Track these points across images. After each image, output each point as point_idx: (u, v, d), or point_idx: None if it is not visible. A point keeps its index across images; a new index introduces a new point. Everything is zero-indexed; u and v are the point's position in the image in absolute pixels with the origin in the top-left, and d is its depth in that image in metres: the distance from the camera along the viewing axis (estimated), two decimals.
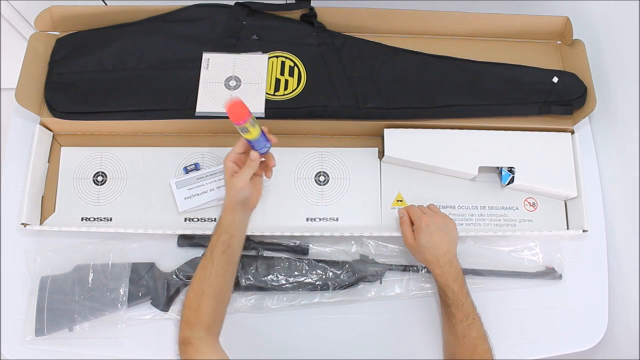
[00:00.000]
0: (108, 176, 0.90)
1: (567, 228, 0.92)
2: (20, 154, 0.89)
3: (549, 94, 0.92)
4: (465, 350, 0.75)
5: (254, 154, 0.75)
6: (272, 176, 0.84)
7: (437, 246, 0.79)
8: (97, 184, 0.90)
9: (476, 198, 0.92)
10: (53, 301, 0.83)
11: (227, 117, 0.86)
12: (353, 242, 0.90)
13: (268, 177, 0.82)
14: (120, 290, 0.84)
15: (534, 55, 0.97)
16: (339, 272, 0.86)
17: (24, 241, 0.88)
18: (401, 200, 0.91)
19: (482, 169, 0.90)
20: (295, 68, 0.91)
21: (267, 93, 0.88)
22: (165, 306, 0.85)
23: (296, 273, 0.85)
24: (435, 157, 0.89)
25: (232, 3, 0.94)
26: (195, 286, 0.73)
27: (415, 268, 0.88)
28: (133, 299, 0.84)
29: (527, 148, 0.91)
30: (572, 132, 0.93)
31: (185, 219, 0.88)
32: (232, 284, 0.76)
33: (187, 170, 0.90)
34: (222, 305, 0.74)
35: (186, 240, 0.88)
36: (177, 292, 0.85)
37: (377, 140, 0.94)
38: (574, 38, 0.96)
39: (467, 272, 0.88)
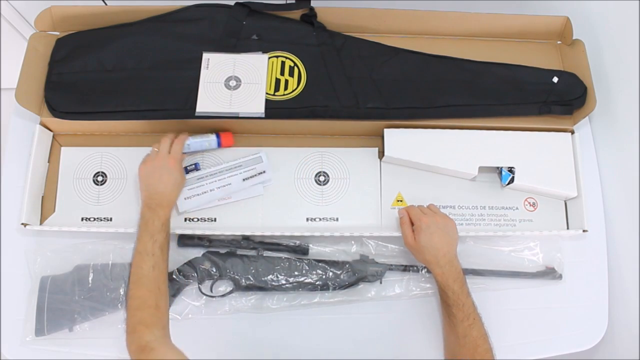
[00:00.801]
0: (108, 176, 0.90)
1: (567, 228, 0.92)
2: (20, 154, 0.89)
3: (549, 94, 0.92)
4: (467, 350, 0.75)
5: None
6: (270, 176, 0.87)
7: (437, 246, 0.79)
8: (97, 184, 0.90)
9: (476, 198, 0.92)
10: (53, 301, 0.83)
11: (227, 118, 0.87)
12: (353, 242, 0.90)
13: None
14: (120, 290, 0.84)
15: (534, 55, 0.97)
16: (339, 272, 0.86)
17: (24, 241, 0.88)
18: (401, 200, 0.91)
19: (482, 169, 0.90)
20: (295, 68, 0.91)
21: (267, 93, 0.88)
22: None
23: (296, 273, 0.85)
24: (435, 157, 0.89)
25: (232, 3, 0.94)
26: (151, 285, 0.72)
27: (415, 268, 0.88)
28: None
29: (527, 148, 0.91)
30: (572, 132, 0.93)
31: (185, 219, 0.88)
32: None
33: (187, 171, 0.89)
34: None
35: (186, 240, 0.88)
36: (177, 292, 0.85)
37: (377, 140, 0.94)
38: (574, 38, 0.96)
39: (467, 272, 0.88)
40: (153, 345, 0.67)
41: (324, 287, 0.86)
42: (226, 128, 0.91)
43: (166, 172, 0.80)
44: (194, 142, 0.88)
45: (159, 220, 0.77)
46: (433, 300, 0.89)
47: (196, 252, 0.87)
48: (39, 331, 0.82)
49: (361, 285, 0.88)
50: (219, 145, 0.90)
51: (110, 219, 0.88)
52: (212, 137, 0.89)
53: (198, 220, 0.88)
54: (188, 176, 0.87)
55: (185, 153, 0.87)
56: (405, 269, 0.88)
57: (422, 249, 0.80)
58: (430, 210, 0.84)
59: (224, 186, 0.87)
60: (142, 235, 0.76)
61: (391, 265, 0.88)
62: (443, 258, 0.79)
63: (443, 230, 0.80)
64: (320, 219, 0.89)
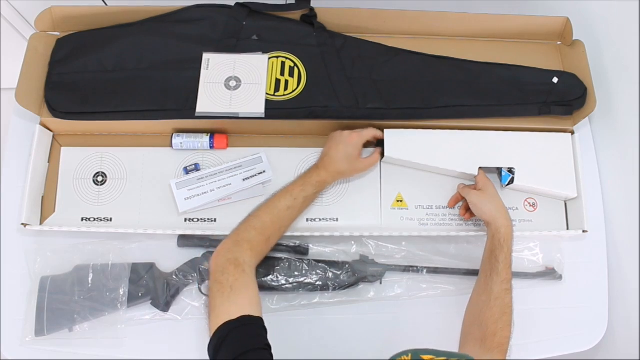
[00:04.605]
0: (108, 176, 0.90)
1: (567, 228, 0.92)
2: (20, 154, 0.89)
3: (549, 95, 0.92)
4: (493, 313, 0.74)
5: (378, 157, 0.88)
6: (270, 176, 0.87)
7: (501, 202, 0.83)
8: (97, 184, 0.90)
9: None
10: (53, 301, 0.83)
11: (226, 118, 0.87)
12: (353, 242, 0.90)
13: None
14: (120, 291, 0.84)
15: (534, 55, 0.97)
16: (339, 273, 0.86)
17: (24, 241, 0.88)
18: (401, 201, 0.91)
19: (482, 170, 0.90)
20: (296, 68, 0.91)
21: (267, 93, 0.88)
22: (165, 306, 0.85)
23: (296, 273, 0.85)
24: (436, 157, 0.89)
25: (232, 3, 0.94)
26: (277, 219, 0.75)
27: (415, 268, 0.88)
28: (133, 299, 0.84)
29: (527, 148, 0.91)
30: (572, 133, 0.93)
31: (186, 220, 0.88)
32: None
33: (187, 171, 0.90)
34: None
35: (186, 240, 0.88)
36: (177, 292, 0.85)
37: None
38: (574, 38, 0.96)
39: (467, 272, 0.88)
40: (246, 268, 0.68)
41: (324, 288, 0.86)
42: (226, 128, 0.91)
43: (343, 143, 0.84)
44: (187, 140, 0.90)
45: (317, 177, 0.81)
46: (433, 300, 0.89)
47: (196, 252, 0.87)
48: (39, 331, 0.82)
49: (361, 286, 0.88)
50: (212, 146, 0.90)
51: (110, 219, 0.88)
52: (205, 138, 0.90)
53: (198, 220, 0.88)
54: (188, 176, 0.88)
55: (177, 150, 0.91)
56: (405, 269, 0.88)
57: (493, 198, 0.83)
58: None
59: (224, 186, 0.87)
60: (296, 181, 0.81)
61: (391, 265, 0.88)
62: (507, 212, 0.81)
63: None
64: (320, 219, 0.89)
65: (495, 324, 0.73)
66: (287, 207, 0.77)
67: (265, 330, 0.64)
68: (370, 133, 0.86)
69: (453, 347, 0.77)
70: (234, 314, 0.63)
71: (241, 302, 0.65)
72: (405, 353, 0.51)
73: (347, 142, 0.84)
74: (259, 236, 0.73)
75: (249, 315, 0.64)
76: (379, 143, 0.90)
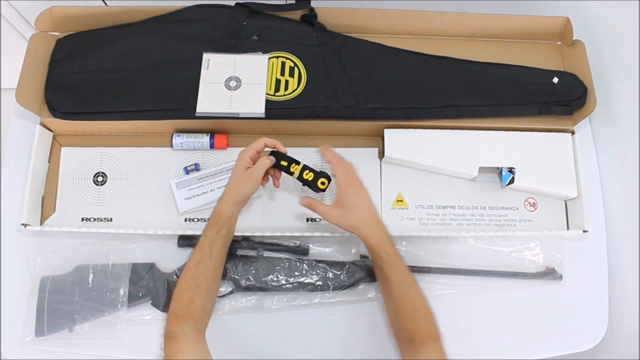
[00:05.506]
0: (108, 176, 0.90)
1: (568, 228, 0.92)
2: (20, 154, 0.89)
3: (549, 95, 0.92)
4: (405, 313, 0.71)
5: (270, 157, 0.77)
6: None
7: (366, 208, 0.75)
8: (97, 184, 0.90)
9: (476, 198, 0.92)
10: (53, 302, 0.82)
11: (227, 118, 0.86)
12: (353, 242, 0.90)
13: (276, 187, 0.83)
14: (120, 291, 0.84)
15: (534, 55, 0.97)
16: (339, 273, 0.86)
17: (24, 241, 0.88)
18: (401, 200, 0.91)
19: (482, 169, 0.90)
20: (296, 68, 0.91)
21: (267, 93, 0.88)
22: (165, 306, 0.84)
23: (296, 273, 0.85)
24: (435, 157, 0.89)
25: (232, 3, 0.95)
26: (190, 280, 0.72)
27: (415, 268, 0.88)
28: (133, 299, 0.84)
29: (528, 148, 0.91)
30: (572, 133, 0.93)
31: (186, 220, 0.88)
32: (221, 277, 0.78)
33: (187, 171, 0.90)
34: (213, 299, 0.75)
35: (186, 240, 0.88)
36: None
37: (377, 141, 0.94)
38: (574, 38, 0.96)
39: (467, 272, 0.88)
40: (179, 336, 0.68)
41: (324, 288, 0.86)
42: (226, 128, 0.92)
43: (236, 164, 0.77)
44: (187, 140, 0.90)
45: (213, 214, 0.76)
46: (433, 300, 0.88)
47: None
48: (39, 331, 0.82)
49: (361, 286, 0.88)
50: (212, 146, 0.90)
51: (111, 220, 0.88)
52: (205, 138, 0.90)
53: (198, 220, 0.88)
54: (188, 176, 0.88)
55: (177, 150, 0.91)
56: None
57: (350, 212, 0.74)
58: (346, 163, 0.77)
59: (224, 186, 0.87)
60: (204, 231, 0.76)
61: None
62: (372, 219, 0.74)
63: (363, 186, 0.75)
64: (320, 219, 0.89)
65: (413, 323, 0.71)
66: (197, 262, 0.73)
67: None
68: (257, 145, 0.77)
69: (452, 346, 0.77)
70: None
71: None
72: None
73: (237, 161, 0.77)
74: (180, 303, 0.72)
75: None
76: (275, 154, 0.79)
